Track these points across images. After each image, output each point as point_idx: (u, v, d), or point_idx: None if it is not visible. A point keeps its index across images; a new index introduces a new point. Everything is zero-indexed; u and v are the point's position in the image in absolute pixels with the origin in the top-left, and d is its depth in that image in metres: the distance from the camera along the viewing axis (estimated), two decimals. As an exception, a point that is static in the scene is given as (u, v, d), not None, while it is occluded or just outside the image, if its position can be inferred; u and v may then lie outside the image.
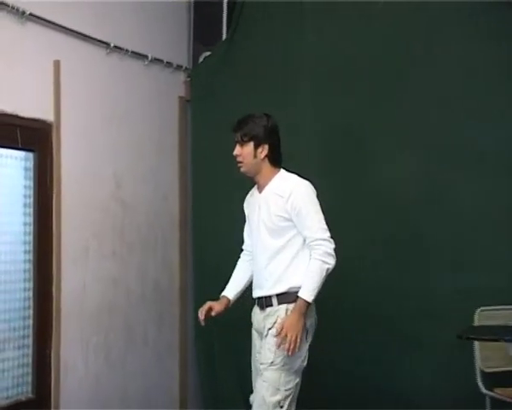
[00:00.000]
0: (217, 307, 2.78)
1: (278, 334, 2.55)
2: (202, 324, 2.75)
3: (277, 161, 2.72)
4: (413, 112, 3.23)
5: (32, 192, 3.23)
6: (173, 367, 3.99)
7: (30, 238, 3.22)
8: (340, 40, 3.42)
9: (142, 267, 3.81)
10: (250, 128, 2.68)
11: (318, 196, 2.71)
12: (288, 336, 2.55)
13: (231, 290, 2.83)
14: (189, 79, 4.11)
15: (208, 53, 4.08)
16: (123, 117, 3.73)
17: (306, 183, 2.67)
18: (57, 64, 3.32)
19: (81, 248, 3.43)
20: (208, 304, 2.76)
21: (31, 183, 3.21)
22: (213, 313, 2.77)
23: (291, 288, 2.63)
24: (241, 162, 2.70)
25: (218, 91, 3.90)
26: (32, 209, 3.23)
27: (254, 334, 2.77)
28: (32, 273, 3.21)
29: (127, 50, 3.70)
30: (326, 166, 3.47)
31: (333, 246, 2.59)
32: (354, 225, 3.34)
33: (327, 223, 2.64)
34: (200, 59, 4.11)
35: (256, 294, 2.73)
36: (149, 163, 3.90)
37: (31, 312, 3.21)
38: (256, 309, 2.75)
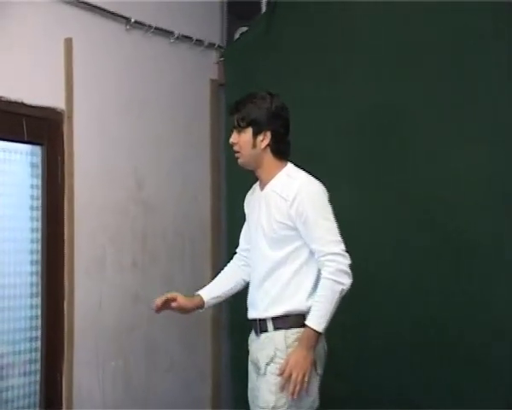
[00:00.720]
0: (182, 300, 2.68)
1: (281, 374, 2.44)
2: (153, 309, 2.65)
3: (283, 152, 2.60)
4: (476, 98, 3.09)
5: (39, 192, 3.23)
6: (204, 396, 3.98)
7: (37, 246, 3.22)
8: (399, 22, 3.33)
9: (168, 280, 3.80)
10: (249, 111, 2.56)
11: (336, 204, 2.58)
12: (293, 375, 2.42)
13: (208, 292, 2.75)
14: (222, 59, 4.10)
15: (245, 29, 4.06)
16: (145, 104, 3.72)
17: (316, 183, 2.54)
18: (69, 43, 3.31)
19: (96, 258, 3.43)
20: (173, 294, 2.67)
21: (38, 181, 3.22)
22: (174, 305, 2.66)
23: (290, 311, 2.51)
24: (238, 152, 2.60)
25: (257, 74, 3.84)
26: (40, 213, 3.23)
27: (249, 364, 2.66)
28: (39, 287, 3.21)
29: (150, 26, 3.71)
30: (364, 161, 3.44)
31: (347, 262, 2.45)
32: (393, 229, 3.29)
33: (342, 233, 2.52)
34: (236, 36, 4.11)
35: (250, 314, 2.64)
36: (175, 158, 3.89)
37: (39, 332, 3.21)
38: (252, 334, 2.65)
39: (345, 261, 2.45)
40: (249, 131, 2.56)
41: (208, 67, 4.06)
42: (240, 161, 2.61)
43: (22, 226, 3.18)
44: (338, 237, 2.47)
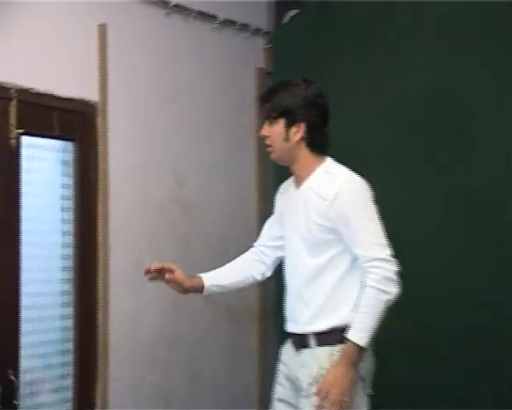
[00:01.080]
0: (180, 275, 2.62)
1: (318, 392, 2.37)
2: (145, 274, 2.59)
3: (319, 146, 2.53)
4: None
5: (71, 192, 3.22)
6: (250, 417, 3.99)
7: (69, 251, 3.22)
8: (456, 7, 3.31)
9: None
10: (281, 99, 2.50)
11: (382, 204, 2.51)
12: (331, 395, 2.35)
13: (211, 278, 2.70)
14: (269, 45, 4.10)
15: (295, 12, 4.05)
16: (185, 96, 3.72)
17: (359, 179, 2.48)
18: (103, 29, 3.32)
19: (134, 264, 3.38)
20: (171, 265, 2.62)
21: (70, 180, 3.22)
22: (168, 277, 2.60)
23: (336, 325, 2.44)
24: (270, 146, 2.55)
25: (308, 62, 3.82)
26: (71, 214, 3.22)
27: (282, 377, 2.60)
28: (72, 296, 3.20)
29: (191, 10, 3.71)
30: (415, 156, 3.43)
31: (395, 269, 2.37)
32: (447, 232, 3.27)
33: (389, 236, 2.43)
34: (285, 20, 4.10)
35: (289, 328, 2.58)
36: (219, 154, 3.87)
37: (71, 345, 3.20)
38: (289, 347, 2.58)
39: (392, 268, 2.38)
40: (281, 123, 2.51)
41: (254, 54, 4.08)
42: (272, 156, 2.56)
43: (52, 229, 3.17)
44: (384, 241, 2.40)
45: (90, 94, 3.27)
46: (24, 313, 2.97)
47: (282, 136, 2.51)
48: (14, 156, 2.96)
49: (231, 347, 3.87)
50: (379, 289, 2.36)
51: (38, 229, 3.10)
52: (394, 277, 2.37)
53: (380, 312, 2.36)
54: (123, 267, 3.38)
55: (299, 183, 2.56)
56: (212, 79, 3.83)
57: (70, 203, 3.23)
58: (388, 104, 3.50)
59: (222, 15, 3.85)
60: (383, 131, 3.51)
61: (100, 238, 3.28)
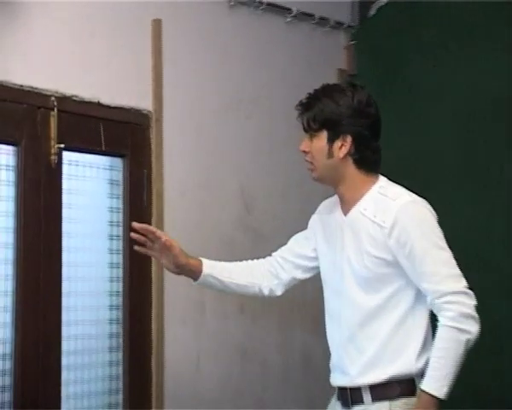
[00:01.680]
0: (176, 247, 2.57)
1: None
2: (132, 234, 2.53)
3: (370, 163, 2.48)
4: None
5: (120, 217, 3.22)
6: None
7: (118, 287, 3.21)
8: None
9: (285, 331, 3.78)
10: (322, 108, 2.46)
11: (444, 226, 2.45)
12: None
13: (212, 266, 2.66)
14: (353, 42, 4.12)
15: (382, 3, 4.05)
16: (253, 102, 3.72)
17: (420, 201, 2.44)
18: (157, 26, 3.33)
19: (193, 302, 3.40)
20: (167, 236, 2.57)
21: (119, 203, 3.22)
22: (164, 239, 2.53)
23: (395, 376, 2.40)
24: (310, 164, 2.51)
25: (401, 62, 3.87)
26: (121, 244, 3.21)
27: None
28: (121, 339, 3.19)
29: (260, 2, 3.72)
30: (492, 167, 3.57)
31: (473, 302, 2.34)
32: None
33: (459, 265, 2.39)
34: (371, 13, 4.10)
35: (336, 381, 2.55)
36: (293, 172, 3.78)
37: (120, 397, 3.18)
38: (336, 404, 2.55)
39: (470, 302, 2.34)
40: (323, 136, 2.46)
41: (335, 52, 4.10)
42: (313, 175, 2.52)
43: (98, 261, 3.18)
44: (457, 271, 2.37)
45: (143, 102, 3.29)
46: (66, 360, 2.98)
47: (324, 151, 2.46)
48: (54, 175, 2.96)
49: (308, 400, 3.80)
50: (457, 329, 2.31)
51: (82, 261, 3.11)
52: (473, 312, 2.34)
53: (460, 355, 2.32)
54: (181, 306, 3.38)
55: (346, 207, 2.51)
56: (284, 82, 3.79)
57: (119, 230, 3.22)
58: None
59: (297, 8, 3.86)
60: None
61: (153, 272, 3.28)
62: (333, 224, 2.56)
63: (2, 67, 2.85)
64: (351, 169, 2.46)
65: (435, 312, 2.37)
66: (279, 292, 2.72)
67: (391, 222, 2.37)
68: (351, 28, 4.09)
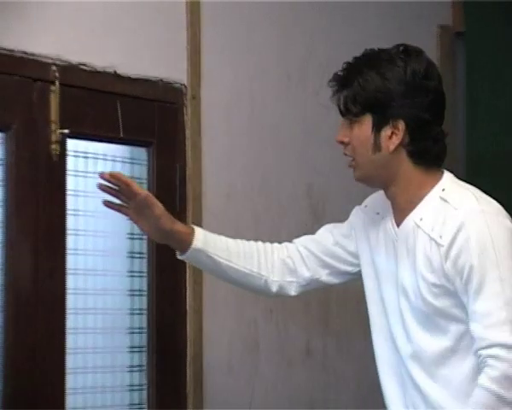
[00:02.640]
0: (160, 210, 2.45)
1: None
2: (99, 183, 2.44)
3: (432, 155, 2.39)
4: None
5: (145, 245, 3.16)
6: None
7: (141, 322, 3.11)
8: None
9: (363, 379, 3.72)
10: (364, 84, 2.37)
11: None
12: None
13: (207, 243, 2.53)
14: None
15: None
16: (325, 73, 3.43)
17: (494, 211, 2.33)
18: None
19: (243, 340, 3.35)
20: (150, 195, 2.47)
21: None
22: (145, 195, 2.43)
23: None
24: (350, 158, 2.44)
25: None
26: (145, 264, 3.14)
27: None
28: (146, 395, 3.10)
29: None
30: None
31: None
32: None
33: None
34: None
35: None
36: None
37: None
38: None
39: None
40: (367, 122, 2.37)
41: (437, 7, 4.11)
42: (355, 174, 2.44)
43: (116, 288, 3.09)
44: None
45: (175, 73, 3.22)
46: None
47: (368, 143, 2.37)
48: (55, 171, 2.85)
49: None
50: (495, 395, 2.23)
51: (93, 287, 3.03)
52: None
53: None
54: (227, 348, 3.30)
55: (400, 215, 2.42)
56: (368, 44, 3.68)
57: (142, 246, 3.16)
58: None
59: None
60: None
61: (190, 302, 3.22)
62: (381, 233, 2.49)
63: None
64: (405, 165, 2.38)
65: (479, 365, 2.31)
66: (293, 292, 2.63)
67: (449, 238, 2.28)
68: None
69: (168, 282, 3.15)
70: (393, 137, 2.34)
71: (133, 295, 3.11)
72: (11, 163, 2.72)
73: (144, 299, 3.11)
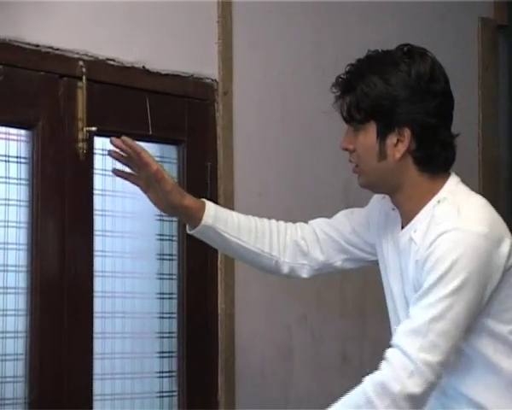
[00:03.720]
0: (170, 184, 2.42)
1: None
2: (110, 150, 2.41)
3: (440, 162, 2.35)
4: None
5: (174, 229, 3.08)
6: None
7: (171, 326, 3.05)
8: None
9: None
10: (368, 90, 2.32)
11: None
12: None
13: (218, 219, 2.49)
14: None
15: None
16: None
17: (476, 230, 2.23)
18: None
19: (278, 348, 3.29)
20: (160, 168, 2.42)
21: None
22: (155, 169, 2.38)
23: None
24: (355, 165, 2.40)
25: None
26: (175, 266, 3.07)
27: None
28: (176, 395, 3.03)
29: None
30: None
31: (423, 382, 2.17)
32: None
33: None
34: None
35: None
36: None
37: None
38: None
39: (415, 380, 2.17)
40: (372, 129, 2.32)
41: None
42: (360, 180, 2.41)
43: (145, 291, 3.02)
44: (438, 341, 2.21)
45: (206, 68, 3.18)
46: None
47: (373, 151, 2.32)
48: (82, 170, 2.80)
49: None
50: (366, 396, 2.20)
51: (121, 290, 2.96)
52: (415, 391, 2.16)
53: None
54: (259, 357, 3.25)
55: (404, 220, 2.40)
56: (404, 38, 3.56)
57: (172, 247, 3.10)
58: None
59: None
60: None
61: (221, 306, 3.16)
62: (390, 232, 2.46)
63: (12, 19, 2.67)
64: (410, 172, 2.34)
65: None
66: (304, 275, 2.60)
67: (425, 254, 2.25)
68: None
69: (199, 285, 3.13)
70: (399, 144, 2.30)
71: (163, 298, 3.06)
72: (36, 161, 2.68)
73: (174, 302, 3.07)
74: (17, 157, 2.66)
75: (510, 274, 2.31)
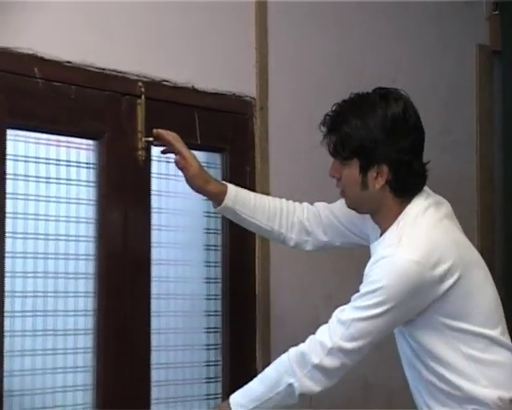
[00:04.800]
0: (194, 170, 2.68)
1: None
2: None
3: (413, 188, 2.44)
4: None
5: (219, 224, 3.15)
6: None
7: (216, 306, 3.14)
8: None
9: None
10: (350, 132, 2.40)
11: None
12: None
13: (237, 203, 2.69)
14: (496, 12, 4.05)
15: None
16: (376, 85, 3.37)
17: (413, 257, 2.31)
18: (262, 6, 3.30)
19: (304, 322, 3.22)
20: (186, 154, 2.68)
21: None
22: (177, 159, 2.68)
23: None
24: (341, 190, 2.52)
25: None
26: (219, 255, 3.15)
27: None
28: (219, 367, 3.13)
29: None
30: None
31: (337, 362, 2.36)
32: None
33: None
34: None
35: None
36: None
37: None
38: None
39: (335, 355, 2.35)
40: (355, 165, 2.42)
41: (475, 25, 4.07)
42: (346, 203, 2.54)
43: (193, 276, 3.10)
44: (356, 334, 2.35)
45: (245, 88, 3.23)
46: (157, 391, 2.94)
47: (357, 182, 2.43)
48: (141, 174, 2.89)
49: None
50: (291, 365, 2.38)
51: (174, 275, 3.04)
52: (330, 365, 2.35)
53: (278, 394, 2.39)
54: (291, 332, 3.22)
55: (380, 233, 2.50)
56: (413, 61, 3.76)
57: (217, 239, 3.16)
58: None
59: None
60: None
61: (258, 288, 3.21)
62: (373, 239, 2.53)
63: (82, 46, 2.78)
64: (388, 198, 2.43)
65: None
66: (308, 248, 2.74)
67: (366, 271, 2.38)
68: (495, -2, 4.07)
69: (239, 270, 3.17)
70: (379, 177, 2.38)
71: (209, 282, 3.13)
72: (103, 167, 2.78)
73: (219, 286, 3.12)
74: (87, 163, 2.78)
75: (453, 289, 2.32)
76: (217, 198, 2.67)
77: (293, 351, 2.40)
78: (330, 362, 2.34)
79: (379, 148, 2.36)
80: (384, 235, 2.44)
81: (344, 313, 2.36)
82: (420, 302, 2.33)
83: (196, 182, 2.65)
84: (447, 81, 3.95)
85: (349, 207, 2.53)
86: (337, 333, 2.34)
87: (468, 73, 4.03)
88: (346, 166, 2.42)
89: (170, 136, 2.67)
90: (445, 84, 3.94)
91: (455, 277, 2.31)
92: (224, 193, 2.66)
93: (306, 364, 2.35)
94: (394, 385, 3.51)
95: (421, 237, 2.33)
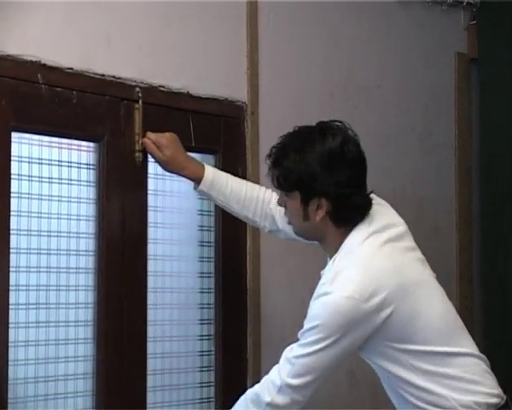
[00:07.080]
0: (162, 160, 2.76)
1: None
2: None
3: (353, 219, 2.39)
4: None
5: (212, 221, 3.13)
6: None
7: (210, 299, 3.12)
8: None
9: None
10: (290, 167, 2.37)
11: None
12: None
13: (212, 185, 2.74)
14: (474, 22, 4.06)
15: None
16: (363, 92, 3.65)
17: (344, 293, 2.27)
18: (253, 7, 3.27)
19: (293, 318, 3.15)
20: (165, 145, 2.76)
21: (211, 205, 3.10)
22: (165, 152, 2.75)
23: None
24: (288, 219, 2.50)
25: None
26: (212, 250, 3.13)
27: None
28: (212, 357, 3.10)
29: None
30: None
31: (288, 398, 2.32)
32: None
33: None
34: None
35: None
36: (408, 169, 3.82)
37: None
38: None
39: (282, 396, 2.32)
40: (296, 197, 2.39)
41: (454, 35, 4.06)
42: (293, 230, 2.52)
43: (188, 271, 3.08)
44: (302, 370, 2.32)
45: (236, 93, 3.21)
46: (152, 379, 2.92)
47: (299, 213, 2.41)
48: (138, 174, 2.87)
49: None
50: (247, 405, 2.38)
51: (169, 270, 3.02)
52: (281, 404, 2.31)
53: None
54: (279, 323, 3.24)
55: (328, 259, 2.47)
56: (395, 69, 3.78)
57: (210, 236, 3.14)
58: None
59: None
60: None
61: (249, 283, 3.18)
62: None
63: (83, 54, 2.78)
64: (330, 228, 2.40)
65: None
66: (281, 237, 2.76)
67: (309, 305, 2.36)
68: (471, 6, 4.02)
69: (232, 266, 3.15)
70: (319, 209, 2.34)
71: (203, 276, 3.11)
72: (102, 167, 2.78)
73: (212, 280, 3.10)
74: (87, 164, 2.77)
75: (393, 316, 2.27)
76: (195, 181, 2.74)
77: (249, 392, 2.39)
78: (281, 400, 2.31)
79: (317, 181, 2.33)
80: (328, 264, 2.41)
81: (291, 351, 2.35)
82: (360, 333, 2.29)
83: (172, 168, 2.74)
84: (428, 87, 3.99)
85: (296, 235, 2.51)
86: (285, 371, 2.32)
87: (448, 79, 4.06)
88: (289, 197, 2.40)
89: (165, 137, 2.73)
90: (426, 90, 3.97)
91: (392, 306, 2.26)
92: (199, 174, 2.72)
93: (260, 403, 2.34)
94: (379, 379, 3.49)
95: (356, 269, 2.28)
